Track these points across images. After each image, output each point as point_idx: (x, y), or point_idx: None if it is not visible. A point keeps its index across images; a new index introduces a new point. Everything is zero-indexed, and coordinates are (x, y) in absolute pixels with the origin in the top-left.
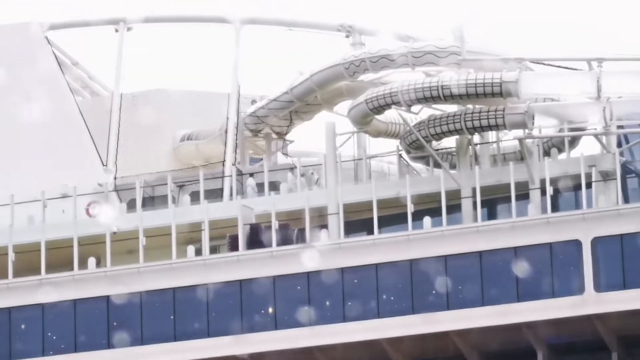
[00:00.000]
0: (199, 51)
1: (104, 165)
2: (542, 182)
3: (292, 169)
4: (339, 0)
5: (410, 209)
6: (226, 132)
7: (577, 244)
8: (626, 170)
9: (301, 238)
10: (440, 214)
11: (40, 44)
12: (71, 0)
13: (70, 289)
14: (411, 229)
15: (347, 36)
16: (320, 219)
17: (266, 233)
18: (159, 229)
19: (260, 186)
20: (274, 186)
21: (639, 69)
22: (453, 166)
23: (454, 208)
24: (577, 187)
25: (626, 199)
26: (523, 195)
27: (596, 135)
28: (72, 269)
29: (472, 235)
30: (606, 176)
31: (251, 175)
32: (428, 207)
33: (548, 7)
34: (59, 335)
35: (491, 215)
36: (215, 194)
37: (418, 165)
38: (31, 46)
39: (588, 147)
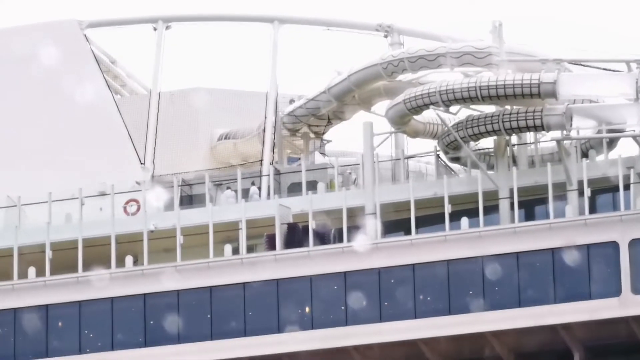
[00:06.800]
0: (237, 50)
1: (141, 163)
2: (580, 183)
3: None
4: (378, 0)
5: (447, 209)
6: (264, 131)
7: (614, 245)
8: None
9: (338, 238)
10: (477, 215)
11: (79, 42)
12: None
13: (107, 287)
14: (448, 230)
15: (386, 36)
16: (358, 219)
17: (303, 232)
18: (197, 227)
19: (298, 185)
20: (312, 186)
21: None
22: (491, 167)
23: (492, 209)
24: (614, 189)
25: None
26: (560, 196)
27: (634, 137)
28: (109, 267)
29: (509, 236)
30: None
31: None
32: (465, 207)
33: (587, 8)
34: (95, 333)
35: (528, 216)
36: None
37: (456, 166)
38: (70, 44)
39: (626, 148)
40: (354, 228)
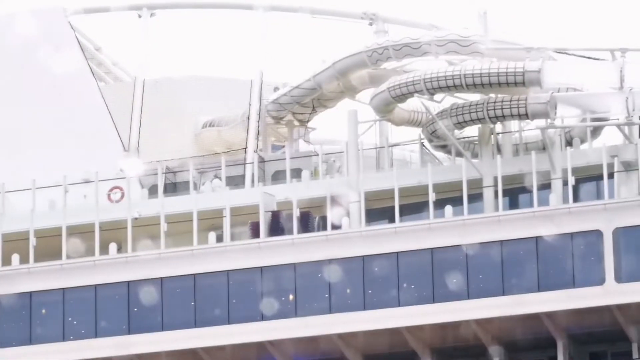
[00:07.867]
0: (222, 37)
1: (126, 150)
2: (564, 172)
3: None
4: None
5: (431, 197)
6: (248, 119)
7: (598, 234)
8: None
9: (322, 225)
10: (461, 203)
11: (64, 29)
12: None
13: (91, 274)
14: (432, 218)
15: (371, 24)
16: (342, 206)
17: (287, 220)
18: (181, 215)
19: (282, 173)
20: (296, 173)
21: None
22: (475, 155)
23: (476, 197)
24: (599, 177)
25: None
26: (545, 184)
27: (619, 126)
28: (93, 254)
29: (493, 225)
30: (628, 166)
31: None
32: (449, 195)
33: None
34: (79, 320)
35: (512, 204)
36: (236, 181)
37: (440, 154)
38: (54, 31)
39: (610, 137)
40: (337, 216)
